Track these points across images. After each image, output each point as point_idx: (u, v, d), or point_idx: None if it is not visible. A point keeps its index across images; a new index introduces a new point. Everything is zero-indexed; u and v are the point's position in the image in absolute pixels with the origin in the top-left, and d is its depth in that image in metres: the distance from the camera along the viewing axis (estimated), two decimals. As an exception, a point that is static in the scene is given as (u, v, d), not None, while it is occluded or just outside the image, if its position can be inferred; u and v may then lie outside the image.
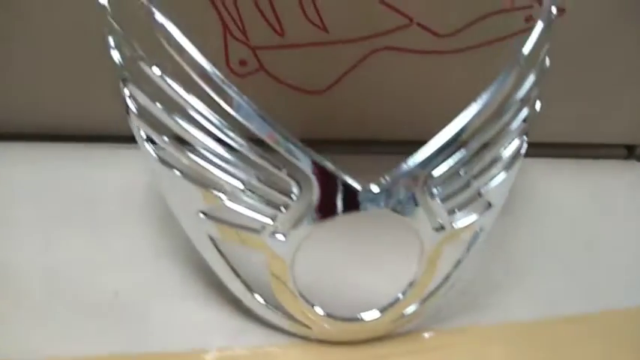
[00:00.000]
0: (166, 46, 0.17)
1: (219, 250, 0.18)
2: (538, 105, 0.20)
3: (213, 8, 0.24)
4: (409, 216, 0.17)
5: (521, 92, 0.19)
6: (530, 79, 0.19)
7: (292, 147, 0.15)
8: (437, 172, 0.17)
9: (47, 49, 0.25)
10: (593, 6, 0.27)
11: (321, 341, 0.19)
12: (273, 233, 0.17)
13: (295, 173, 0.16)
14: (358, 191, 0.16)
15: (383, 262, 0.20)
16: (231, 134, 0.16)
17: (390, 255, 0.19)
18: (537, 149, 0.32)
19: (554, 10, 0.19)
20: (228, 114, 0.16)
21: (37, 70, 0.26)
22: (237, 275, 0.18)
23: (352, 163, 0.28)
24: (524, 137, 0.20)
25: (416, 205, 0.17)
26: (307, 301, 0.18)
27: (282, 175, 0.16)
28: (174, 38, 0.17)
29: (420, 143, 0.29)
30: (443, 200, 0.17)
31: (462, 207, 0.18)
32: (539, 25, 0.19)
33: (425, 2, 0.25)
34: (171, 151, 0.17)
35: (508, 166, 0.19)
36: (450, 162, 0.17)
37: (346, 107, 0.28)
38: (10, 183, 0.24)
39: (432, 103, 0.29)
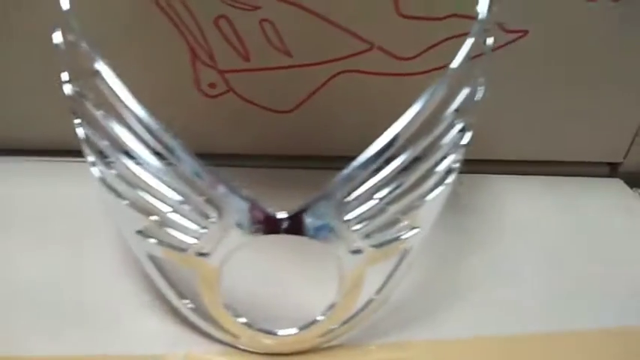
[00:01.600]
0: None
1: (157, 266, 0.20)
2: (468, 135, 0.20)
3: (181, 36, 0.26)
4: (324, 240, 0.18)
5: (452, 108, 0.19)
6: (463, 93, 0.19)
7: (208, 176, 0.17)
8: (350, 198, 0.18)
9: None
10: (562, 25, 0.27)
11: (254, 352, 0.20)
12: (199, 251, 0.18)
13: (213, 199, 0.17)
14: (270, 217, 0.17)
15: (310, 281, 0.21)
16: (157, 162, 0.18)
17: (317, 274, 0.20)
18: (515, 167, 0.32)
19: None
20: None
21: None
22: (174, 288, 0.20)
23: (320, 178, 0.30)
24: (456, 157, 0.20)
25: (330, 230, 0.18)
26: (233, 311, 0.19)
27: (202, 200, 0.17)
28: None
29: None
30: (359, 224, 0.18)
31: (380, 230, 0.19)
32: (469, 41, 0.19)
33: (384, 28, 0.26)
34: (110, 175, 0.19)
35: (436, 185, 0.20)
36: (365, 186, 0.18)
37: (314, 125, 0.30)
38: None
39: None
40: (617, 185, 0.33)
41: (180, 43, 0.26)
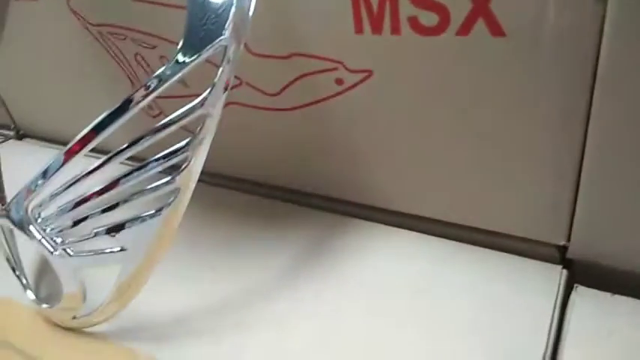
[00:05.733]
0: None
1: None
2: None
3: (121, 69, 0.33)
4: (27, 234, 0.22)
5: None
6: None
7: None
8: (39, 199, 0.21)
9: None
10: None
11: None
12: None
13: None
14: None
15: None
16: None
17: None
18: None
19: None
20: None
21: None
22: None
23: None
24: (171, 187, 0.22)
25: (27, 225, 0.22)
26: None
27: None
28: None
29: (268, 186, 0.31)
30: (52, 227, 0.22)
31: (78, 239, 0.22)
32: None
33: (245, 63, 0.28)
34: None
35: (154, 214, 0.21)
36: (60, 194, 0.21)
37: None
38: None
39: (274, 153, 0.30)
40: (549, 273, 0.25)
41: (121, 73, 0.33)
